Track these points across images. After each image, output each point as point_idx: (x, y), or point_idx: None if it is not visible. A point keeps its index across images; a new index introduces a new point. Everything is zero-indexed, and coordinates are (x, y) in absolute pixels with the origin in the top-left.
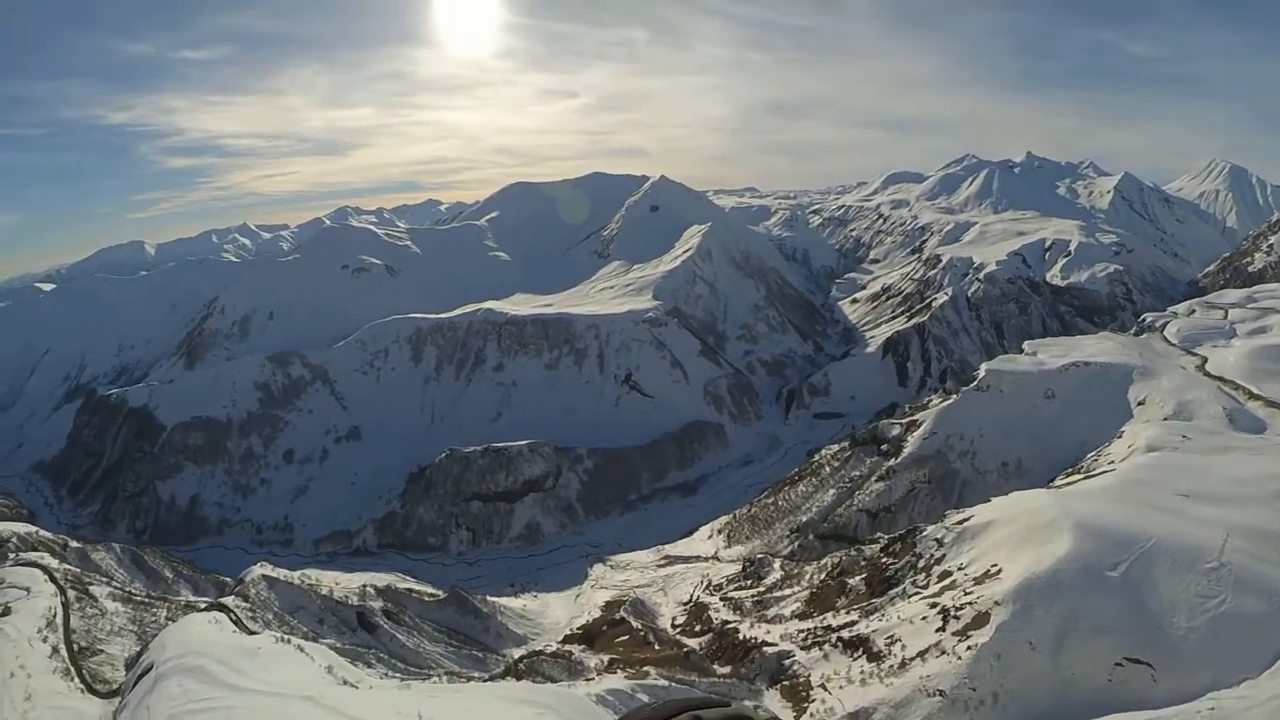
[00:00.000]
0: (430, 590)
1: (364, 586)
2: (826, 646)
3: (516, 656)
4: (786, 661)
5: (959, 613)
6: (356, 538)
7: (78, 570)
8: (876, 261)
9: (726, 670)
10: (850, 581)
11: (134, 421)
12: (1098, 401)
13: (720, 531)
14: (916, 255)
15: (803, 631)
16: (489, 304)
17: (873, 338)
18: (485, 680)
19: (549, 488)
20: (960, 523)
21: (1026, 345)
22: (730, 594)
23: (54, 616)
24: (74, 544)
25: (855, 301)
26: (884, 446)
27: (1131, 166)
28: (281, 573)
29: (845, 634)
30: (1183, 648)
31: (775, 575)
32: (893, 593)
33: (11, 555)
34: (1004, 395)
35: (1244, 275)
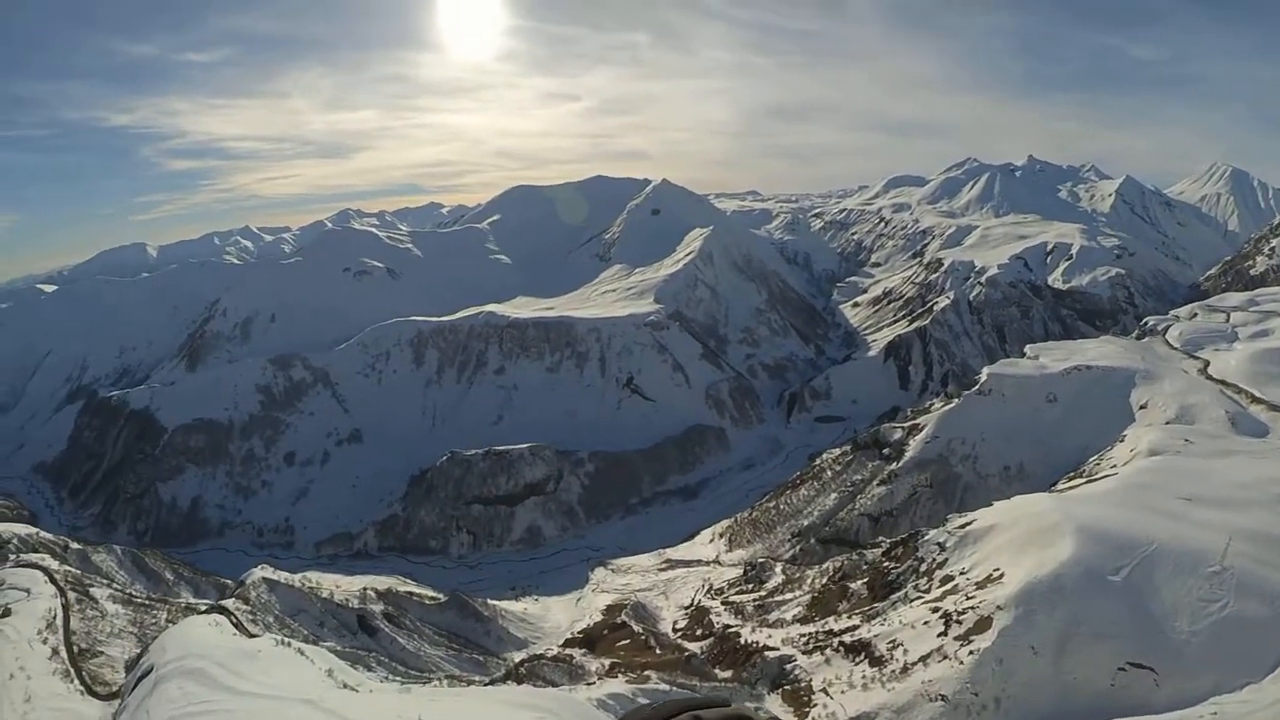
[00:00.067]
0: (431, 593)
1: (365, 589)
2: (828, 651)
3: (517, 660)
4: (788, 666)
5: (961, 617)
6: (357, 540)
7: (78, 572)
8: (878, 265)
9: (728, 675)
10: (852, 586)
11: (135, 423)
12: (1100, 405)
13: (721, 535)
14: (918, 259)
15: (804, 636)
16: (490, 307)
17: (874, 341)
18: (486, 684)
19: (550, 491)
20: (962, 527)
21: (1028, 349)
22: (731, 598)
23: (54, 618)
24: (75, 545)
25: (857, 305)
26: (885, 450)
27: (1133, 170)
28: (282, 575)
29: (847, 638)
30: (1185, 652)
31: (777, 579)
32: (894, 597)
33: (12, 556)
34: (1006, 399)
35: (1246, 278)
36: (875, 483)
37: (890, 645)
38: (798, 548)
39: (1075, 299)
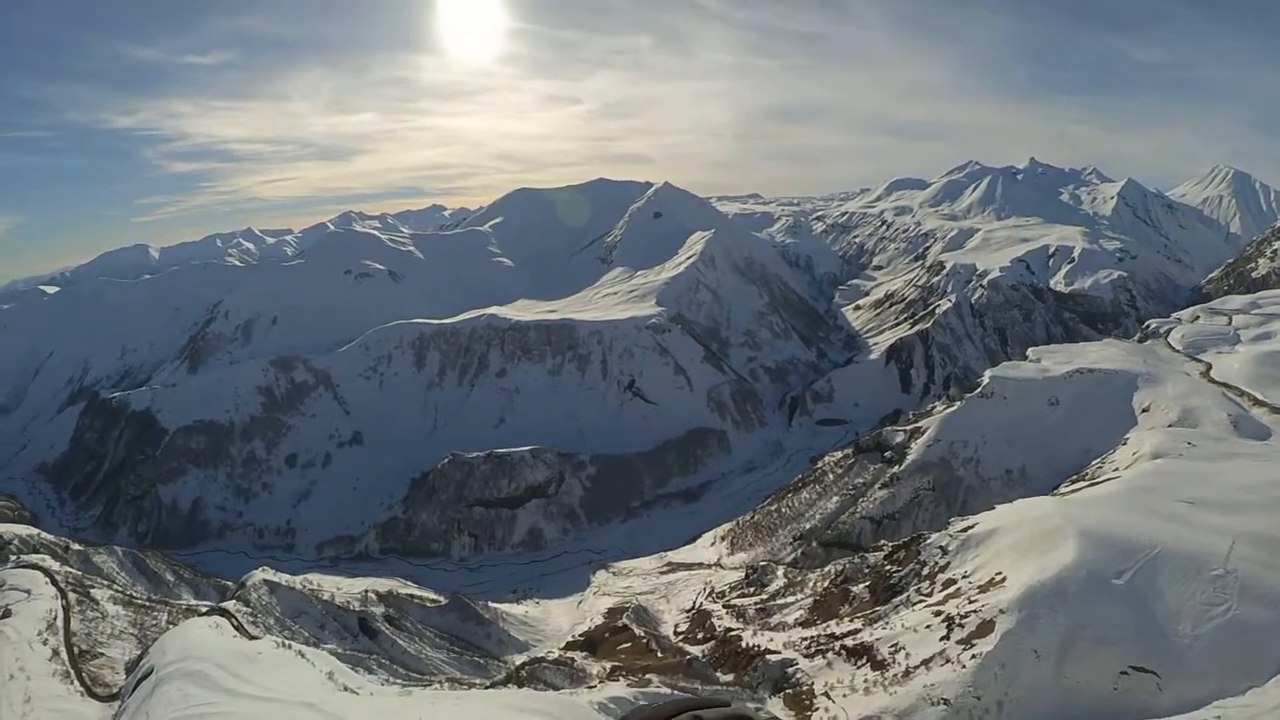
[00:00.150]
0: (432, 596)
1: (365, 592)
2: (830, 654)
3: (518, 663)
4: (790, 669)
5: (963, 621)
6: (359, 543)
7: (79, 573)
8: (880, 268)
9: (729, 678)
10: (854, 589)
11: (136, 425)
12: (1102, 408)
13: (723, 538)
14: (920, 262)
15: (806, 639)
16: (492, 309)
17: (876, 344)
18: (487, 687)
19: (551, 494)
20: (964, 530)
21: (1030, 352)
22: (733, 601)
23: (54, 619)
24: (76, 547)
25: (858, 308)
26: (887, 453)
27: (1136, 172)
28: (283, 577)
29: (849, 642)
30: (1188, 656)
31: (778, 583)
32: (896, 600)
33: (13, 557)
34: (1008, 402)
35: (1248, 281)
36: (877, 486)
37: (892, 649)
38: (799, 551)
39: (1077, 302)
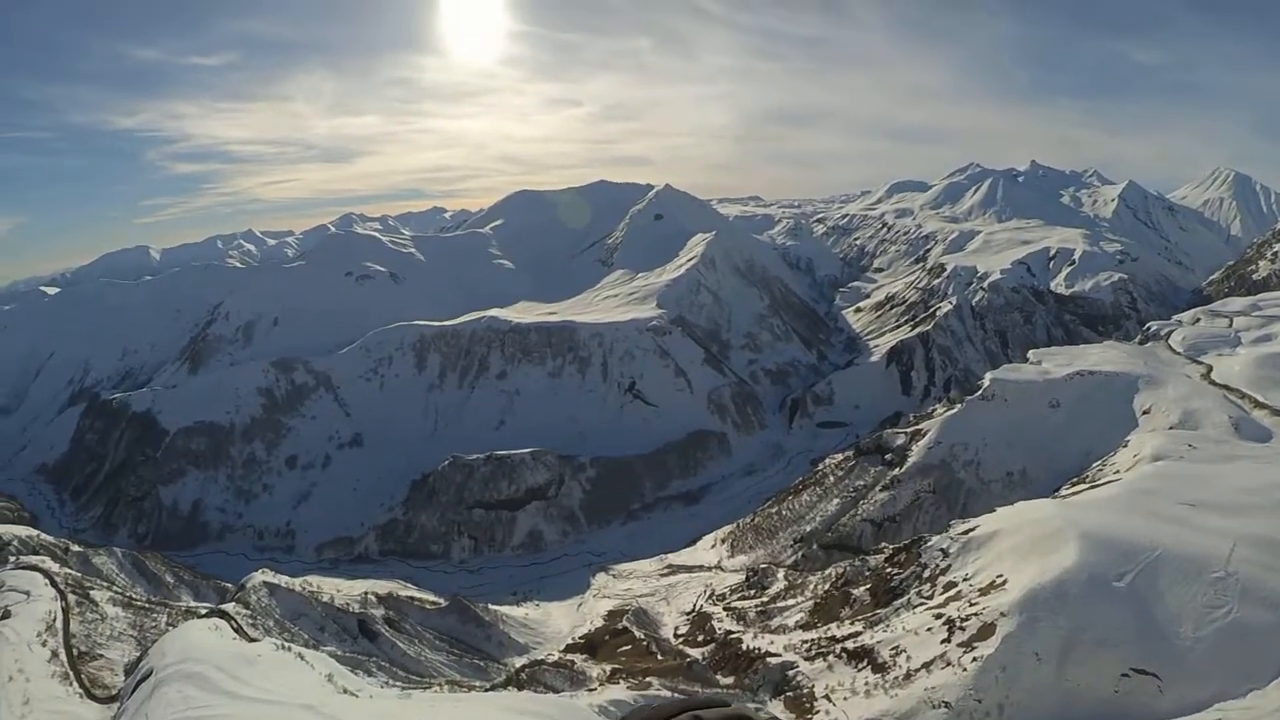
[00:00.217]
0: (432, 598)
1: (365, 594)
2: (830, 657)
3: (518, 666)
4: (790, 672)
5: (964, 624)
6: (358, 545)
7: (79, 574)
8: (880, 270)
9: (730, 681)
10: (854, 592)
11: (137, 426)
12: (1103, 411)
13: (723, 541)
14: (920, 264)
15: (806, 642)
16: (493, 311)
17: (877, 347)
18: (486, 690)
19: (552, 496)
20: (965, 533)
21: (1031, 354)
22: (733, 604)
23: (54, 620)
24: (75, 548)
25: (859, 310)
26: (888, 456)
27: (1137, 175)
28: (283, 579)
29: (849, 645)
30: (1189, 659)
31: (779, 585)
32: (897, 603)
33: (12, 558)
34: (1008, 404)
35: (1248, 283)
36: (878, 488)
37: (893, 651)
38: (800, 553)
39: (1078, 304)
